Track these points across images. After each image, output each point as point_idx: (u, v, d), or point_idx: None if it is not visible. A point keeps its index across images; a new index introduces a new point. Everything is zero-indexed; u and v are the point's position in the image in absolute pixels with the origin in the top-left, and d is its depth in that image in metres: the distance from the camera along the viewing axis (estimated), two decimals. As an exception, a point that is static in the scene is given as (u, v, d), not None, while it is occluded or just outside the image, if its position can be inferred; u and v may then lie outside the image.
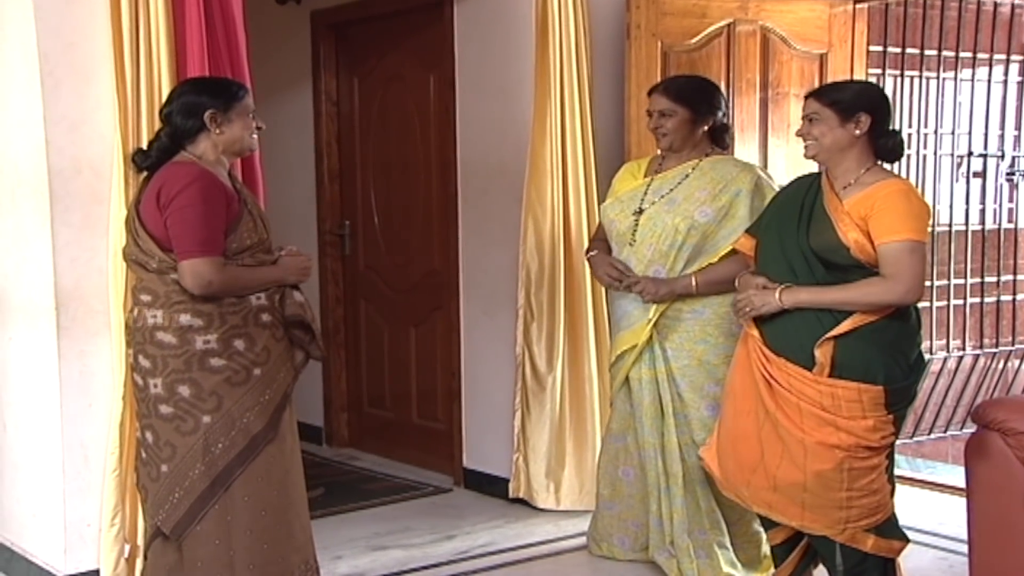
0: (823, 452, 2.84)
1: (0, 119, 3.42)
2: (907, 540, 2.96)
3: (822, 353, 2.83)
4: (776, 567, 3.16)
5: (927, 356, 2.97)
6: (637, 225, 3.45)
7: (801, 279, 2.89)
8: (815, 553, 3.08)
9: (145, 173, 2.90)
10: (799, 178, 3.11)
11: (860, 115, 2.86)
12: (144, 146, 2.96)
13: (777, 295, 2.88)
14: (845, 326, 2.81)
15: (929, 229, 2.91)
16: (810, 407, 2.85)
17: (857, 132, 2.87)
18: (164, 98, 2.99)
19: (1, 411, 3.59)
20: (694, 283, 3.36)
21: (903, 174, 5.84)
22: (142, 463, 2.92)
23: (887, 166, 3.04)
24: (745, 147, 4.20)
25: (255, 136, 2.95)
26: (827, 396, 2.83)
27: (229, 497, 2.81)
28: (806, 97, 3.00)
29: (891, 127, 2.94)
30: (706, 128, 3.47)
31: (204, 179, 2.78)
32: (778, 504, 2.94)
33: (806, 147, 2.97)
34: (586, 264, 4.04)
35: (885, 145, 2.91)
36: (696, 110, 3.43)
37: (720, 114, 3.50)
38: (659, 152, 3.61)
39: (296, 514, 2.94)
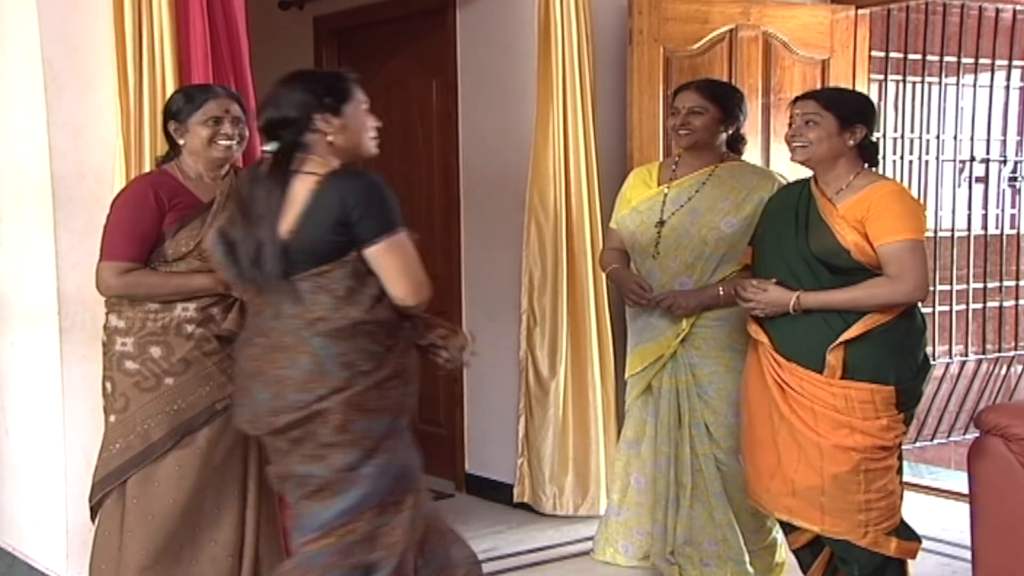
0: (839, 455, 2.85)
1: (3, 125, 3.43)
2: (920, 540, 2.97)
3: (834, 357, 2.84)
4: (803, 571, 3.14)
5: (930, 361, 2.98)
6: (660, 237, 3.41)
7: (805, 284, 2.89)
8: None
9: None
10: (786, 187, 3.15)
11: (857, 126, 2.89)
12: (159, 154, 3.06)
13: (791, 306, 2.88)
14: (856, 330, 2.82)
15: (927, 231, 2.93)
16: (824, 410, 2.86)
17: (851, 143, 2.90)
18: (167, 104, 3.01)
19: (3, 415, 3.59)
20: (720, 293, 3.33)
21: (905, 179, 5.85)
22: None
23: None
24: (747, 153, 4.19)
25: (223, 143, 2.88)
26: (840, 398, 2.84)
27: (123, 495, 2.88)
28: (801, 98, 2.98)
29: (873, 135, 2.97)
30: (730, 131, 3.46)
31: (134, 188, 2.93)
32: (798, 509, 2.94)
33: (796, 149, 2.94)
34: (589, 269, 4.04)
35: (866, 152, 2.94)
36: (727, 111, 3.42)
37: (743, 119, 3.50)
38: (675, 153, 3.59)
39: (202, 531, 2.90)
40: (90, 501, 2.95)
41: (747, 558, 3.43)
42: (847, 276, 2.85)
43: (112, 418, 2.89)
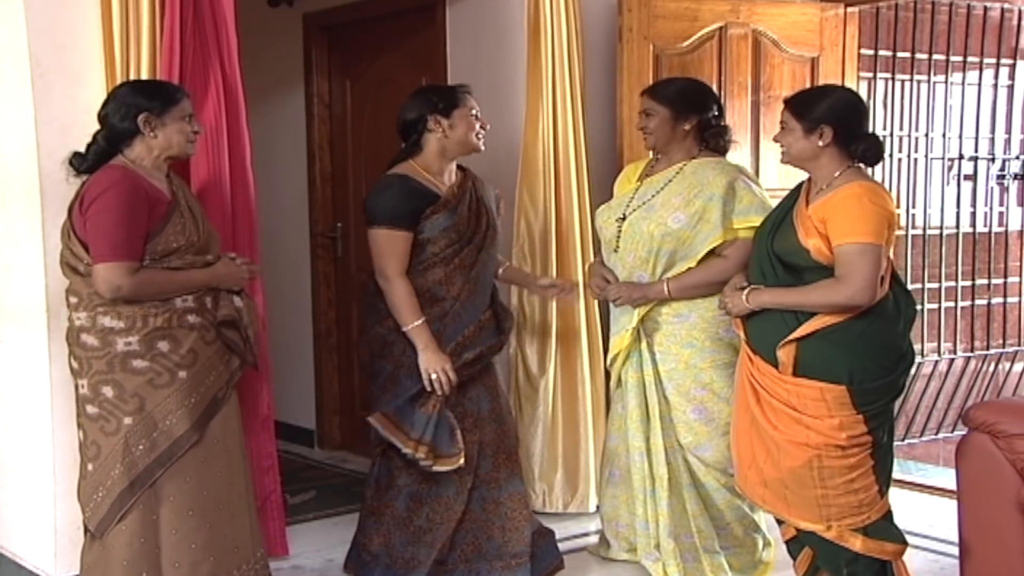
0: (793, 449, 2.90)
1: (-9, 121, 3.41)
2: (904, 543, 2.96)
3: (784, 353, 2.89)
4: (794, 561, 3.16)
5: (919, 359, 2.98)
6: (620, 232, 3.46)
7: (768, 280, 2.96)
8: None
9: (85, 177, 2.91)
10: (795, 187, 3.15)
11: (823, 127, 2.90)
12: (83, 149, 2.95)
13: (744, 297, 2.97)
14: (806, 328, 2.87)
15: (900, 231, 2.93)
16: (781, 405, 2.91)
17: (820, 143, 2.91)
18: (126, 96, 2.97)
19: (-9, 414, 3.57)
20: (666, 289, 3.37)
21: (895, 177, 5.86)
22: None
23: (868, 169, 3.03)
24: (737, 150, 4.21)
25: (192, 142, 2.98)
26: (793, 395, 2.89)
27: (154, 496, 2.84)
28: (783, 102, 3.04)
29: (864, 132, 2.94)
30: (688, 128, 3.44)
31: (123, 183, 2.81)
32: (769, 499, 3.01)
33: (780, 153, 3.05)
34: (579, 266, 4.05)
35: (855, 151, 2.92)
36: (675, 109, 3.42)
37: (708, 114, 3.48)
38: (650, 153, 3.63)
39: (232, 514, 2.96)
40: (116, 512, 2.82)
41: (723, 553, 3.46)
42: (798, 275, 2.90)
43: (127, 420, 2.81)
